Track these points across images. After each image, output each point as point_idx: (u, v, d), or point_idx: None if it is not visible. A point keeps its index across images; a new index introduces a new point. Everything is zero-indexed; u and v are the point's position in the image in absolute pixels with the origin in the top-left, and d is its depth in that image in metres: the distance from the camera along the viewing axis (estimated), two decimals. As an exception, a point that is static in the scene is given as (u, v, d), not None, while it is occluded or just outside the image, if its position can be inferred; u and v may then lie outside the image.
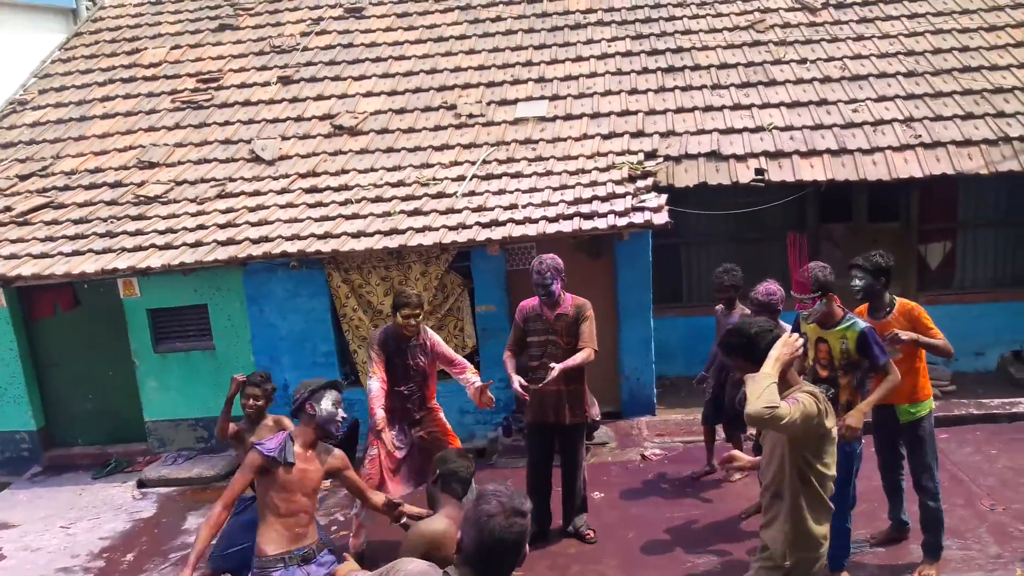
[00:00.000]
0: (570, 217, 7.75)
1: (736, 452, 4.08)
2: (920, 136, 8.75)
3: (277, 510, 4.13)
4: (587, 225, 7.60)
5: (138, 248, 8.16)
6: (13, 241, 8.56)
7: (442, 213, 8.17)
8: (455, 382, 6.22)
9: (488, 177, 8.90)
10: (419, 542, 3.83)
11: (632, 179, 8.44)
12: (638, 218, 7.57)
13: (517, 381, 5.68)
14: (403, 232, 7.86)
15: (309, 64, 11.29)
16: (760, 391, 3.30)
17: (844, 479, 4.73)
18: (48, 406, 9.02)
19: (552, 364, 5.59)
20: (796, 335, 3.50)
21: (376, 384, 5.77)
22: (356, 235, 7.90)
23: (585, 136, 9.46)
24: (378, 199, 8.64)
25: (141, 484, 8.16)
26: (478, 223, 7.85)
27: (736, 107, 9.55)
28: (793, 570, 3.54)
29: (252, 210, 8.68)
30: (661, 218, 7.54)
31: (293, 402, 4.34)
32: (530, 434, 6.18)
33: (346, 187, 9.01)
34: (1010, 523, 5.82)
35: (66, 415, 9.03)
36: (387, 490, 5.79)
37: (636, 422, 8.36)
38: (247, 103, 10.75)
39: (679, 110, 9.64)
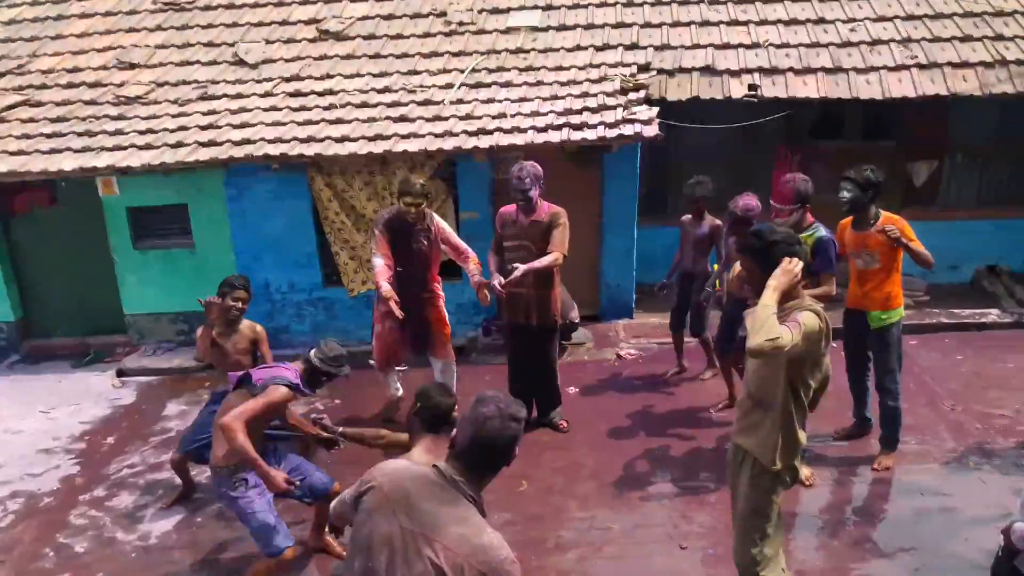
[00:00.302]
0: (559, 128, 7.67)
1: None
2: (916, 57, 8.64)
3: (259, 428, 4.26)
4: (576, 136, 7.53)
5: (118, 147, 8.01)
6: (-11, 137, 8.40)
7: (428, 120, 8.05)
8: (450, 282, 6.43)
9: (477, 86, 8.74)
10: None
11: (624, 91, 8.32)
12: (628, 130, 7.49)
13: (496, 280, 5.82)
14: (388, 138, 7.75)
15: (295, -34, 10.97)
16: (760, 324, 3.28)
17: None
18: (27, 299, 8.94)
19: (517, 265, 5.69)
20: (795, 260, 3.45)
21: (380, 260, 6.04)
22: (340, 140, 7.78)
23: (578, 47, 9.28)
24: (363, 104, 8.49)
25: (121, 373, 8.17)
26: (465, 131, 7.75)
27: (733, 23, 9.38)
28: (781, 474, 3.63)
29: (235, 112, 8.51)
30: (651, 131, 7.47)
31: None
32: (508, 333, 6.44)
33: (331, 92, 8.84)
34: (968, 422, 6.06)
35: (45, 307, 8.96)
36: (394, 359, 6.58)
37: (614, 325, 8.48)
38: (231, 6, 10.44)
39: (675, 24, 9.46)
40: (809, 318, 3.40)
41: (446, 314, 6.53)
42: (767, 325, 3.26)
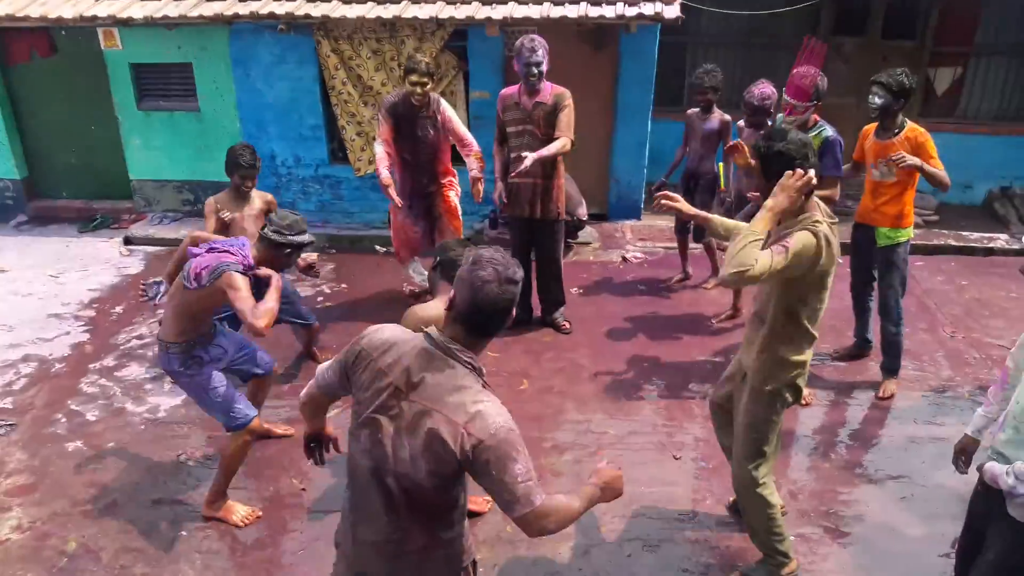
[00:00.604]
0: (577, 2, 7.39)
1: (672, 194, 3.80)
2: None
3: (207, 314, 4.18)
4: (594, 12, 7.28)
5: (118, -4, 7.75)
6: (-16, -23, 8.06)
7: (441, -14, 7.75)
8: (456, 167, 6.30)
9: (493, -50, 8.35)
10: (414, 325, 3.91)
11: (647, -34, 7.96)
12: (648, 9, 7.24)
13: (499, 192, 5.83)
14: (398, 2, 7.50)
15: None
16: (736, 251, 3.08)
17: None
18: (31, 157, 8.86)
19: (525, 154, 5.52)
20: (800, 173, 3.10)
21: (380, 148, 5.89)
22: (348, 1, 7.52)
23: (601, -89, 8.80)
24: (374, -38, 8.13)
25: (128, 241, 8.22)
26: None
27: None
28: (774, 394, 3.53)
29: (240, -35, 8.16)
30: (672, 11, 7.21)
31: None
32: (510, 226, 6.31)
33: (341, -51, 8.44)
34: (966, 350, 6.08)
35: (50, 167, 8.90)
36: (413, 250, 6.57)
37: (621, 225, 8.41)
38: None
39: None
40: (804, 238, 3.15)
41: (457, 205, 6.38)
42: (742, 252, 3.06)
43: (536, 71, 5.53)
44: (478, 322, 2.33)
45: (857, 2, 8.42)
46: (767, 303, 3.44)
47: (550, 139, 5.64)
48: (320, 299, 6.91)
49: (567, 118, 5.64)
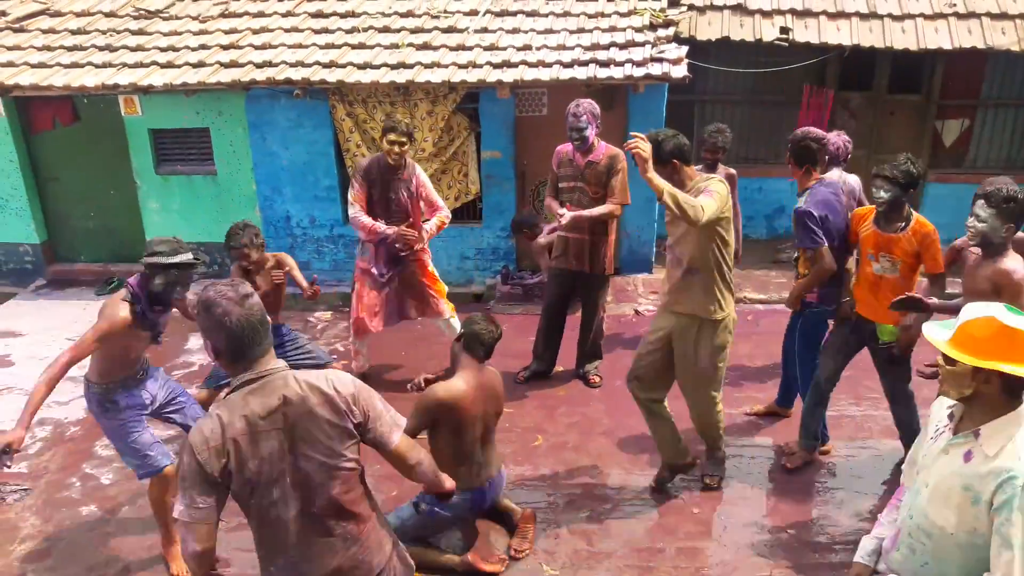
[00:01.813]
0: (585, 63, 7.54)
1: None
2: (955, 5, 8.41)
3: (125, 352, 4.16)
4: (603, 73, 7.40)
5: (139, 64, 7.97)
6: (9, 48, 8.32)
7: (452, 49, 7.93)
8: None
9: (502, 14, 8.59)
10: (433, 402, 3.93)
11: (653, 27, 8.15)
12: (656, 69, 7.36)
13: (558, 212, 5.68)
14: (411, 67, 7.65)
15: None
16: (685, 202, 3.87)
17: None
18: (50, 221, 9.02)
19: (562, 211, 5.59)
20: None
21: (354, 209, 5.75)
22: (362, 66, 7.70)
23: (607, -24, 9.04)
24: (386, 29, 8.37)
25: (144, 303, 8.26)
26: (489, 63, 7.63)
27: (768, -42, 9.09)
28: (724, 321, 4.41)
29: (256, 32, 8.42)
30: (679, 71, 7.33)
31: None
32: (551, 278, 6.29)
33: (353, 14, 8.71)
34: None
35: (69, 231, 9.06)
36: (370, 328, 6.06)
37: (632, 279, 8.44)
38: (253, -84, 10.14)
39: (707, -43, 9.17)
40: (718, 186, 4.11)
41: (431, 267, 6.17)
42: (689, 202, 3.89)
43: (578, 136, 5.67)
44: (248, 350, 2.46)
45: (863, 58, 8.53)
46: (697, 256, 4.27)
47: (600, 197, 5.74)
48: (335, 357, 6.92)
49: (621, 182, 5.73)
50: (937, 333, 2.53)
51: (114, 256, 9.04)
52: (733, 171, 6.53)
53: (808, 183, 4.87)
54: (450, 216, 6.04)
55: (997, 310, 2.44)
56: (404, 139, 5.61)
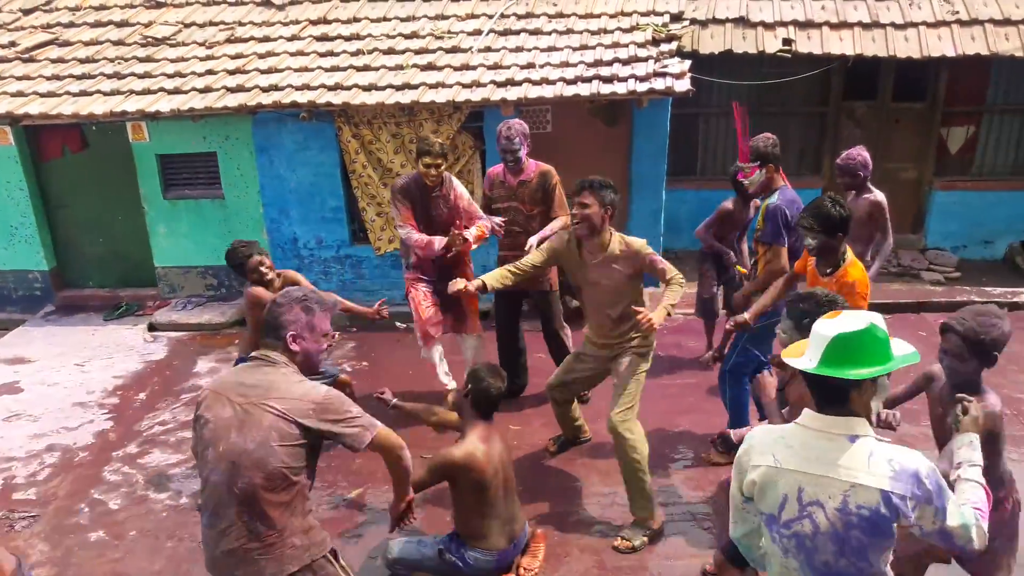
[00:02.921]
0: (589, 80, 7.55)
1: None
2: (957, 12, 8.39)
3: None
4: (606, 89, 7.40)
5: (147, 91, 8.02)
6: (19, 78, 8.40)
7: (456, 69, 7.96)
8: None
9: (506, 33, 8.62)
10: (449, 464, 3.88)
11: (656, 42, 8.16)
12: (659, 84, 7.36)
13: (492, 222, 5.75)
14: (416, 88, 7.68)
15: (322, -99, 10.69)
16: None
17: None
18: (59, 247, 9.08)
19: (532, 240, 5.55)
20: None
21: (405, 230, 5.71)
22: (368, 88, 7.73)
23: (610, -7, 9.09)
24: (391, 51, 8.41)
25: (152, 328, 8.31)
26: (493, 82, 7.65)
27: (769, -29, 9.12)
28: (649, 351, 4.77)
29: (262, 56, 8.47)
30: (683, 85, 7.33)
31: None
32: (496, 301, 6.24)
33: (358, 36, 8.76)
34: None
35: (77, 257, 9.11)
36: (434, 335, 5.98)
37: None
38: (258, -58, 10.26)
39: (708, -29, 9.21)
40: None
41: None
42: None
43: (512, 157, 5.72)
44: (270, 330, 2.99)
45: (866, 67, 8.52)
46: (627, 304, 4.56)
47: (534, 214, 5.81)
48: (345, 368, 6.92)
49: (559, 197, 5.83)
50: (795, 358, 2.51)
51: (123, 281, 9.08)
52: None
53: (778, 183, 5.05)
54: (489, 226, 5.92)
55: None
56: (440, 160, 5.60)
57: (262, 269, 5.16)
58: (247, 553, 2.82)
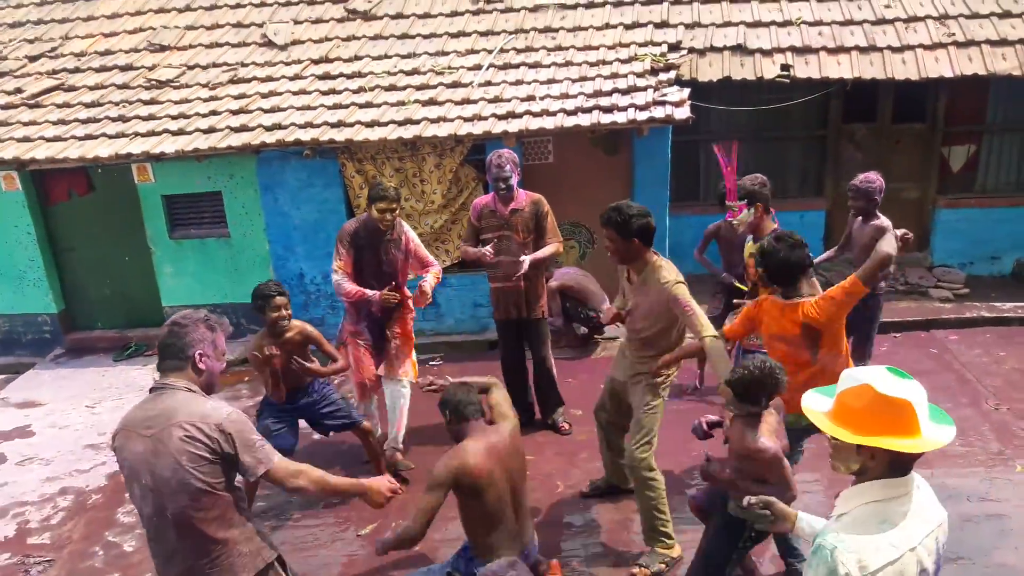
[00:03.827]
0: (589, 110, 7.61)
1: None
2: (953, 34, 8.47)
3: None
4: (606, 119, 7.46)
5: (151, 133, 8.10)
6: (25, 124, 8.50)
7: (457, 103, 8.04)
8: (469, 276, 6.18)
9: (505, 67, 8.71)
10: (444, 471, 3.84)
11: (655, 72, 8.24)
12: (659, 112, 7.42)
13: (486, 250, 5.71)
14: (417, 123, 7.75)
15: (321, -57, 10.87)
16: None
17: None
18: (67, 290, 9.12)
19: (523, 258, 5.61)
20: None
21: (338, 276, 5.55)
22: (370, 124, 7.80)
23: (607, 25, 9.21)
24: (392, 87, 8.49)
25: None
26: (494, 115, 7.73)
27: (764, -1, 9.25)
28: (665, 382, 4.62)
29: (265, 96, 8.56)
30: (683, 113, 7.39)
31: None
32: (499, 330, 6.29)
33: (359, 74, 8.85)
34: (1013, 422, 5.94)
35: (85, 299, 9.15)
36: (373, 391, 5.91)
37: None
38: (258, -16, 10.43)
39: (705, 0, 9.32)
40: (677, 281, 4.32)
41: (412, 330, 5.99)
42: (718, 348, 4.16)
43: (504, 185, 5.73)
44: (164, 357, 3.05)
45: (866, 90, 8.59)
46: (657, 331, 4.47)
47: (527, 242, 5.84)
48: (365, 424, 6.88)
49: (552, 224, 5.90)
50: (816, 403, 2.34)
51: (131, 322, 9.11)
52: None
53: (769, 226, 5.13)
54: (441, 270, 5.94)
55: (874, 376, 2.22)
56: (395, 205, 5.46)
57: (283, 311, 5.10)
58: (198, 571, 2.94)
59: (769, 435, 3.52)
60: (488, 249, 5.75)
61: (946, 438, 2.18)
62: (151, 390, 3.02)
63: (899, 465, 2.20)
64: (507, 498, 3.97)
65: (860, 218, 5.82)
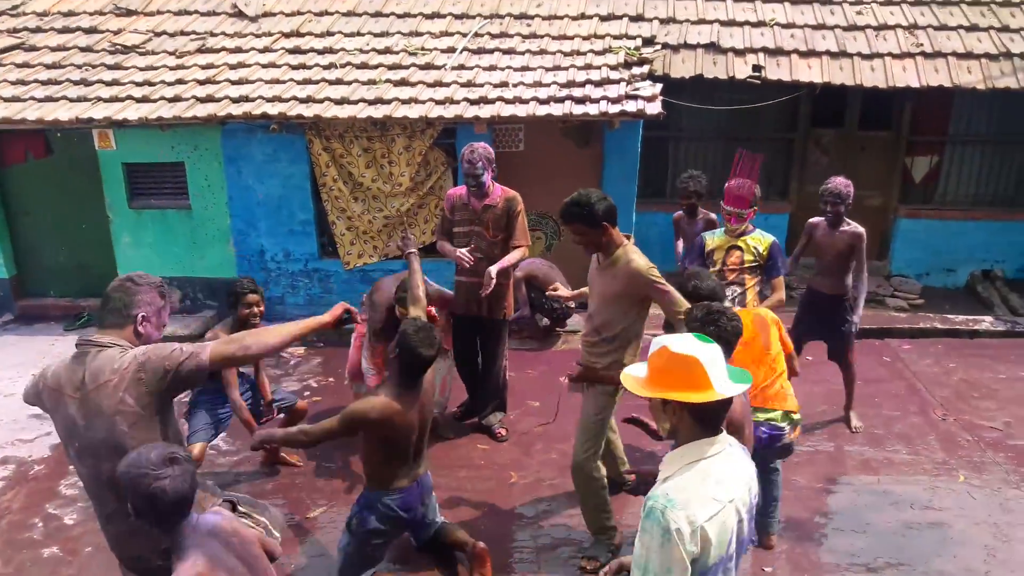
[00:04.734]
0: (561, 100, 7.59)
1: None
2: (922, 44, 8.58)
3: None
4: (578, 110, 7.45)
5: (114, 99, 7.92)
6: (-18, 82, 8.26)
7: (429, 86, 7.97)
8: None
9: (479, 51, 8.65)
10: (360, 417, 3.88)
11: (628, 65, 8.25)
12: (631, 106, 7.43)
13: (460, 251, 5.61)
14: (388, 102, 7.67)
15: (298, -86, 10.68)
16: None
17: None
18: (20, 255, 8.90)
19: (492, 270, 5.49)
20: None
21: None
22: (340, 102, 7.70)
23: (583, 16, 9.19)
24: (364, 65, 8.40)
25: (112, 337, 8.14)
26: (466, 99, 7.67)
27: (739, -2, 9.29)
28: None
29: (233, 67, 8.41)
30: (654, 108, 7.40)
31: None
32: (456, 325, 6.09)
33: (331, 50, 8.74)
34: (958, 433, 6.06)
35: (39, 266, 8.93)
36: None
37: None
38: (230, -48, 10.22)
39: (681, -4, 9.35)
40: (641, 260, 4.22)
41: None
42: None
43: (475, 181, 5.61)
44: (102, 311, 2.96)
45: (834, 95, 8.67)
46: (610, 321, 4.34)
47: (497, 240, 5.71)
48: (307, 393, 6.84)
49: (521, 225, 5.74)
50: (636, 371, 2.54)
51: (85, 291, 8.90)
52: (713, 216, 6.57)
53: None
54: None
55: (672, 339, 2.42)
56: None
57: (254, 308, 5.09)
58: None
59: None
60: (466, 255, 5.60)
61: (733, 392, 2.36)
62: (78, 345, 2.90)
63: (706, 423, 2.38)
64: (413, 444, 4.08)
65: (826, 226, 5.85)
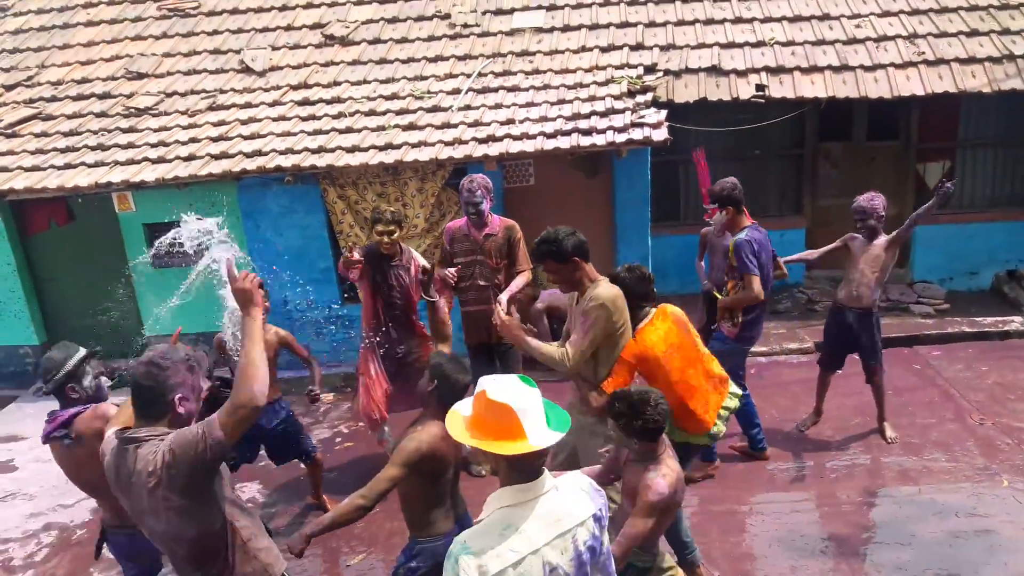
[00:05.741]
0: (568, 133, 7.68)
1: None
2: (923, 53, 8.63)
3: None
4: (585, 141, 7.53)
5: (131, 161, 8.08)
6: (3, 154, 8.45)
7: (438, 128, 8.08)
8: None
9: (484, 91, 8.77)
10: (416, 453, 3.85)
11: (631, 94, 8.34)
12: (637, 134, 7.50)
13: (443, 271, 5.68)
14: (398, 147, 7.79)
15: (298, -31, 10.92)
16: (548, 356, 4.17)
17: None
18: (49, 321, 9.04)
19: (501, 298, 5.37)
20: None
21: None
22: (351, 150, 7.82)
23: (584, 48, 9.30)
24: (372, 112, 8.53)
25: (143, 397, 8.22)
26: (474, 138, 7.77)
27: (737, 20, 9.40)
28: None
29: (244, 123, 8.57)
30: (660, 134, 7.48)
31: (48, 382, 4.03)
32: (470, 354, 6.12)
33: (339, 99, 8.88)
34: (997, 436, 6.00)
35: (67, 329, 9.03)
36: (382, 414, 5.92)
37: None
38: (235, 11, 10.47)
39: (679, 23, 9.47)
40: (598, 310, 4.04)
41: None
42: (552, 355, 4.12)
43: (475, 210, 5.73)
44: (140, 404, 2.88)
45: (840, 109, 8.72)
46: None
47: (499, 268, 5.83)
48: (339, 440, 6.88)
49: (523, 252, 5.84)
50: (463, 408, 2.48)
51: (113, 353, 9.00)
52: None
53: (743, 223, 5.59)
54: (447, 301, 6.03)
55: (491, 382, 2.37)
56: (392, 227, 5.62)
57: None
58: None
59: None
60: (451, 272, 5.68)
61: (548, 442, 2.31)
62: (123, 441, 2.85)
63: (521, 470, 2.33)
64: (451, 477, 4.02)
65: (862, 239, 5.97)
